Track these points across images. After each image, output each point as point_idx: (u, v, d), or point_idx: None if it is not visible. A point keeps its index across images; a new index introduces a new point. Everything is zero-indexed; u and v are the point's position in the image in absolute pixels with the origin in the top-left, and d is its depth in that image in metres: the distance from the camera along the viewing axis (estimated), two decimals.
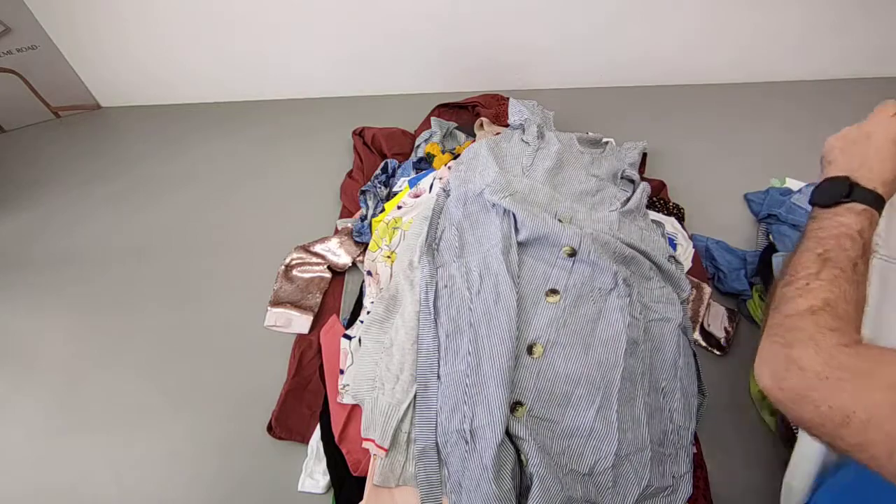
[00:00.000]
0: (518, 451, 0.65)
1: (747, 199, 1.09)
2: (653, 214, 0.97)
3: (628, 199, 0.92)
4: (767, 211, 1.01)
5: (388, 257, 0.90)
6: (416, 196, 0.98)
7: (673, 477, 0.68)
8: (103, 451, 0.82)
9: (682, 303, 0.82)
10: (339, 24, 1.21)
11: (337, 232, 1.05)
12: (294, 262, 1.00)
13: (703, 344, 0.86)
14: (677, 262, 0.89)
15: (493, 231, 0.82)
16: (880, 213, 0.51)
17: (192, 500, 0.77)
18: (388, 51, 1.28)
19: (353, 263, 1.00)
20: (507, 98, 1.20)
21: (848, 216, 0.50)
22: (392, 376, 0.74)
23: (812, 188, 0.56)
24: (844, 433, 0.36)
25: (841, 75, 1.33)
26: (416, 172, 1.05)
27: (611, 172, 0.98)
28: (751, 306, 0.91)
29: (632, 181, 0.99)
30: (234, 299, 0.98)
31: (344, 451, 0.72)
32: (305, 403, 0.82)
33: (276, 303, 0.95)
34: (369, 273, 0.93)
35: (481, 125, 1.17)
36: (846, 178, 0.52)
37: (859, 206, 0.50)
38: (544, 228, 0.79)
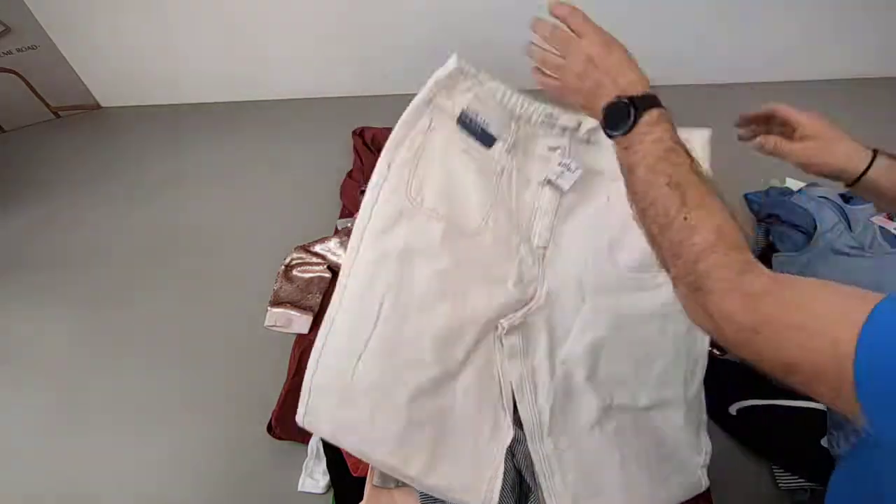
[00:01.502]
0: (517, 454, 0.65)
1: (747, 199, 1.09)
2: None
3: None
4: (767, 211, 1.01)
5: None
6: None
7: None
8: (104, 450, 0.82)
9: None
10: (339, 24, 1.21)
11: (337, 232, 1.05)
12: (294, 262, 1.00)
13: None
14: None
15: None
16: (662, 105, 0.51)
17: (192, 500, 0.77)
18: (387, 51, 1.27)
19: None
20: None
21: (654, 130, 0.48)
22: None
23: (600, 125, 0.52)
24: (792, 378, 0.35)
25: (841, 75, 1.33)
26: None
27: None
28: None
29: None
30: (234, 299, 0.98)
31: (344, 452, 0.72)
32: None
33: (276, 303, 0.95)
34: None
35: None
36: (619, 98, 0.51)
37: (654, 113, 0.49)
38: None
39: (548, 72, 0.58)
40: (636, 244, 0.70)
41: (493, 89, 0.76)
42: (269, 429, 0.80)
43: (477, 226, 0.71)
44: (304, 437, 0.79)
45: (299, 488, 0.75)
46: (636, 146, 0.48)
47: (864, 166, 0.58)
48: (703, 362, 0.72)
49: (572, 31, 0.56)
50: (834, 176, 0.60)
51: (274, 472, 0.78)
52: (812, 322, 0.34)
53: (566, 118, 0.74)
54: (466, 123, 0.73)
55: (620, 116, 0.50)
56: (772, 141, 0.64)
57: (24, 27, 1.17)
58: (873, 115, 1.25)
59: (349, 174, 1.17)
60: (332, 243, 1.02)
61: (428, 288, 0.67)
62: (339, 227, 1.06)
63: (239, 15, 1.19)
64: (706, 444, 0.70)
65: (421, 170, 0.71)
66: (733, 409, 0.78)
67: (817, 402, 0.73)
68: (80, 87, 1.34)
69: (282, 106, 1.37)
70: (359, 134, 1.22)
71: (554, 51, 0.57)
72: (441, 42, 1.27)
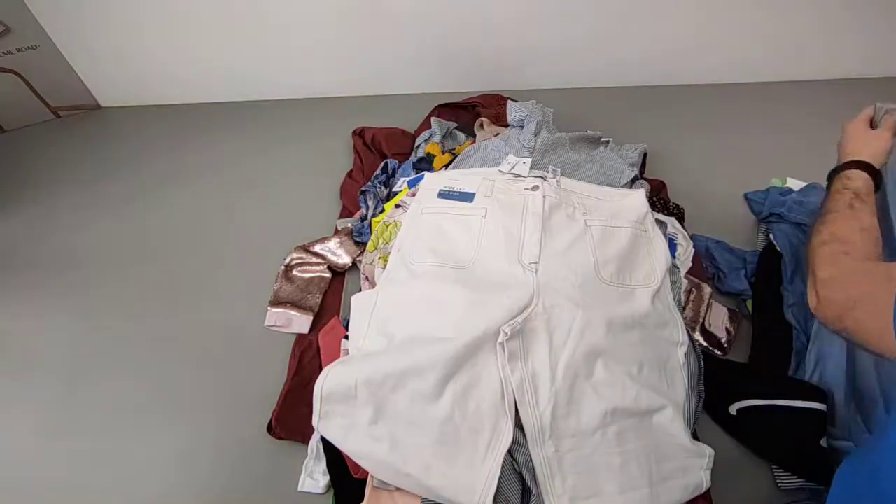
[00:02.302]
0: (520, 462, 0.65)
1: (747, 198, 1.09)
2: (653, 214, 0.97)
3: None
4: (769, 211, 1.01)
5: (381, 258, 0.90)
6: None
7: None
8: (104, 450, 0.82)
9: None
10: (339, 24, 1.21)
11: (337, 232, 1.05)
12: (294, 262, 1.00)
13: (704, 344, 0.86)
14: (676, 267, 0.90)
15: None
16: (870, 173, 0.68)
17: (192, 500, 0.77)
18: (388, 51, 1.28)
19: (354, 263, 1.00)
20: (507, 98, 1.20)
21: (837, 182, 0.69)
22: None
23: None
24: (850, 315, 0.50)
25: (840, 76, 1.33)
26: (416, 172, 1.05)
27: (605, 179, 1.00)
28: (749, 305, 0.91)
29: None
30: (234, 299, 0.98)
31: (344, 454, 0.72)
32: (305, 403, 0.81)
33: (276, 303, 0.95)
34: (366, 279, 0.93)
35: (481, 125, 1.16)
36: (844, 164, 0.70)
37: (849, 172, 0.69)
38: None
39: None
40: (612, 257, 0.80)
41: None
42: (269, 429, 0.80)
43: (470, 258, 0.80)
44: (304, 437, 0.79)
45: (299, 488, 0.75)
46: (827, 195, 0.70)
47: None
48: (681, 373, 0.76)
49: None
50: None
51: (274, 472, 0.78)
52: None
53: (533, 174, 0.91)
54: (445, 194, 0.90)
55: (831, 171, 0.73)
56: None
57: (24, 27, 1.17)
58: None
59: (349, 174, 1.17)
60: (332, 243, 1.02)
61: (429, 305, 0.75)
62: (339, 227, 1.06)
63: (239, 15, 1.19)
64: (707, 446, 0.70)
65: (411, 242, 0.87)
66: (733, 409, 0.78)
67: (819, 401, 0.73)
68: (80, 87, 1.34)
69: (282, 106, 1.37)
70: (359, 134, 1.22)
71: None
72: (441, 43, 1.28)
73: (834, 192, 0.68)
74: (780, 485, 0.73)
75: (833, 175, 0.71)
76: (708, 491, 0.69)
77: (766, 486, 0.74)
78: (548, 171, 0.93)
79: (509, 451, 0.64)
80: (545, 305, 0.72)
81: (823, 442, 0.72)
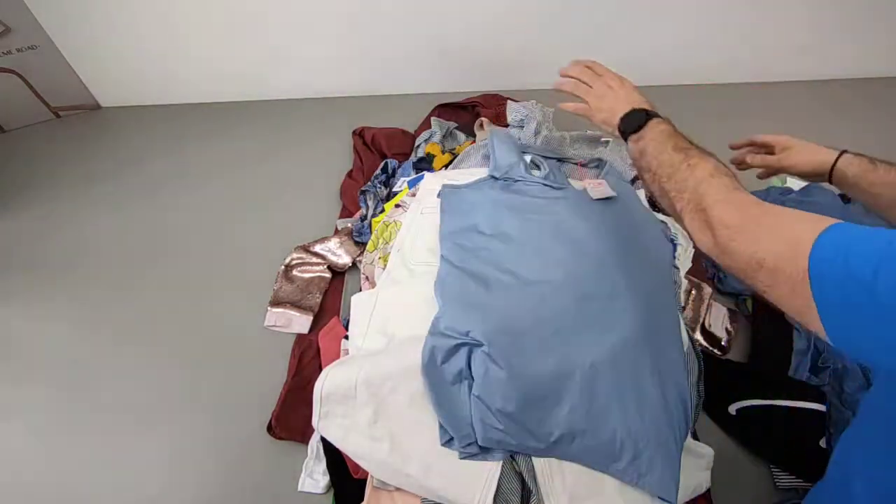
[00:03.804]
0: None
1: None
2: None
3: None
4: None
5: (382, 258, 0.90)
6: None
7: None
8: (104, 450, 0.82)
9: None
10: (339, 24, 1.21)
11: (337, 232, 1.05)
12: (294, 262, 1.00)
13: (705, 344, 0.86)
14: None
15: None
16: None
17: (192, 500, 0.77)
18: (388, 51, 1.28)
19: (353, 263, 1.00)
20: (507, 98, 1.20)
21: (660, 125, 0.63)
22: None
23: (619, 127, 0.68)
24: (759, 276, 0.44)
25: (840, 76, 1.33)
26: (416, 172, 1.05)
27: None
28: (749, 305, 0.91)
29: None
30: (234, 299, 0.98)
31: (344, 454, 0.72)
32: (305, 403, 0.81)
33: (276, 303, 0.95)
34: (366, 279, 0.93)
35: (481, 125, 1.16)
36: (633, 109, 0.67)
37: (660, 118, 0.65)
38: None
39: (577, 95, 0.80)
40: None
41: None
42: (269, 429, 0.80)
43: None
44: (304, 437, 0.79)
45: (299, 488, 0.76)
46: (647, 135, 0.63)
47: (832, 160, 0.68)
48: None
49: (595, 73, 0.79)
50: (813, 174, 0.71)
51: (274, 472, 0.78)
52: (783, 223, 0.45)
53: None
54: None
55: (635, 119, 0.66)
56: (758, 158, 0.78)
57: (24, 27, 1.17)
58: (879, 115, 1.25)
59: (349, 174, 1.17)
60: (332, 243, 1.02)
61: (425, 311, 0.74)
62: (339, 227, 1.06)
63: (239, 15, 1.19)
64: (707, 446, 0.70)
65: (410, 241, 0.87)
66: (733, 409, 0.78)
67: (818, 402, 0.74)
68: (80, 87, 1.34)
69: (282, 106, 1.37)
70: (359, 134, 1.22)
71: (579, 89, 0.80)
72: (441, 43, 1.28)
73: (666, 136, 0.61)
74: (778, 485, 0.73)
75: (640, 122, 0.65)
76: (708, 491, 0.69)
77: (765, 486, 0.74)
78: None
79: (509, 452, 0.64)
80: None
81: (822, 442, 0.72)
